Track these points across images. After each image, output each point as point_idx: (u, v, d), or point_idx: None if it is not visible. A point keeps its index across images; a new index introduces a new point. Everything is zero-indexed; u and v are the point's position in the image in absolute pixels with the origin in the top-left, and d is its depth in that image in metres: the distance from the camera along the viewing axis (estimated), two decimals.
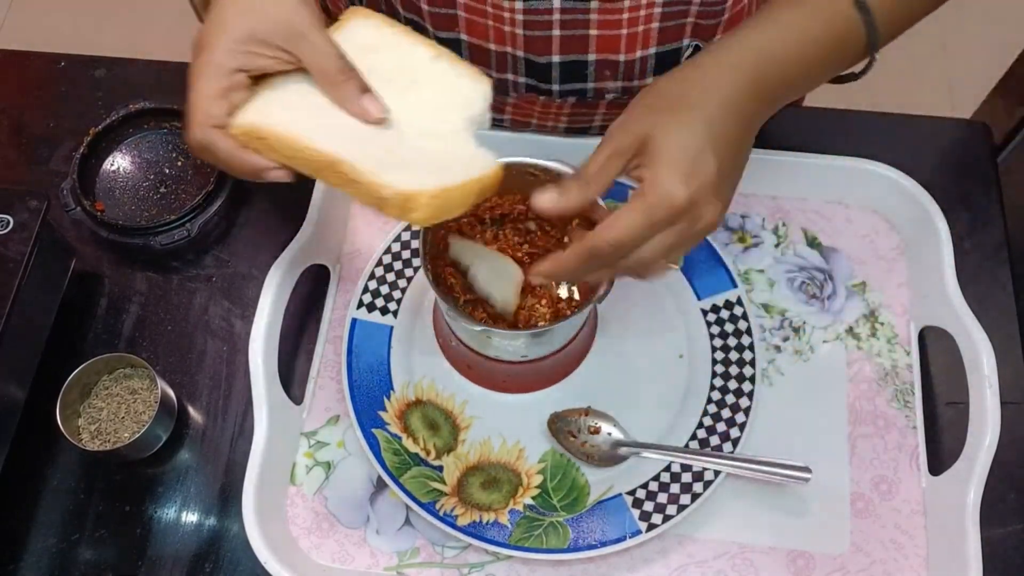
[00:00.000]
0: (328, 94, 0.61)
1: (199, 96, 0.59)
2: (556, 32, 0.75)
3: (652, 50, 0.77)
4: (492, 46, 0.78)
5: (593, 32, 0.75)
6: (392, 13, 0.82)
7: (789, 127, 0.92)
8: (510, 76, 0.80)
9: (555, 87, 0.81)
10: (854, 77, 0.68)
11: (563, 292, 0.74)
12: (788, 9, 0.63)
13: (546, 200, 0.60)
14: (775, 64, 0.61)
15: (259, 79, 0.62)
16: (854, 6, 0.62)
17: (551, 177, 0.71)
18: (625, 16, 0.74)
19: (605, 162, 0.60)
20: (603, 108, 0.84)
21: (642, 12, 0.74)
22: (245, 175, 0.61)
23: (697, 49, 0.79)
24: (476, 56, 0.79)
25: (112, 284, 0.87)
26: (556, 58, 0.77)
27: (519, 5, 0.73)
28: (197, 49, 0.61)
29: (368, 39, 0.64)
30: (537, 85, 0.81)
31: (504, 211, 0.75)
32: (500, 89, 0.82)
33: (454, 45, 0.79)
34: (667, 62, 0.79)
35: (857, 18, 0.62)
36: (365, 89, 0.60)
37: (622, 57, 0.77)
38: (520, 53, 0.77)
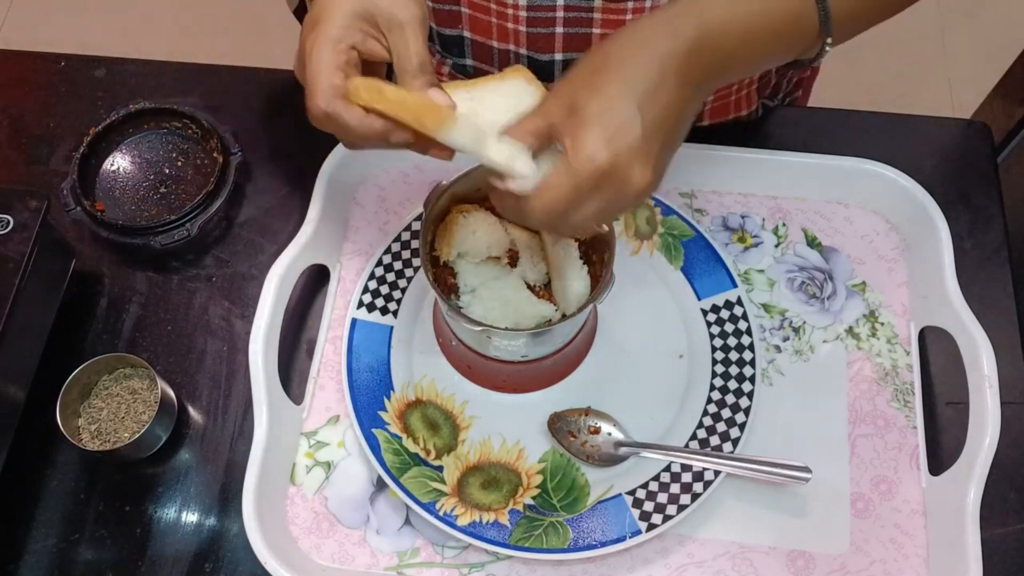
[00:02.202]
0: (401, 81, 0.62)
1: (321, 67, 0.60)
2: (559, 30, 0.75)
3: None
4: (495, 43, 0.78)
5: (596, 31, 0.75)
6: None
7: (789, 127, 0.92)
8: None
9: None
10: (808, 63, 0.66)
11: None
12: None
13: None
14: (717, 32, 0.59)
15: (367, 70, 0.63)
16: None
17: None
18: (629, 16, 0.74)
19: (530, 122, 0.59)
20: None
21: (647, 12, 0.74)
22: (370, 141, 0.62)
23: None
24: (479, 53, 0.79)
25: (112, 284, 0.87)
26: (559, 56, 0.78)
27: (523, 2, 0.73)
28: (311, 22, 0.62)
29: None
30: None
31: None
32: None
33: (457, 42, 0.79)
34: None
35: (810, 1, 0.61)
36: (433, 85, 0.61)
37: None
38: (523, 51, 0.78)
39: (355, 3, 0.61)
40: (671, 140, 0.58)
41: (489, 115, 0.61)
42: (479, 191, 0.73)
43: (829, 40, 0.62)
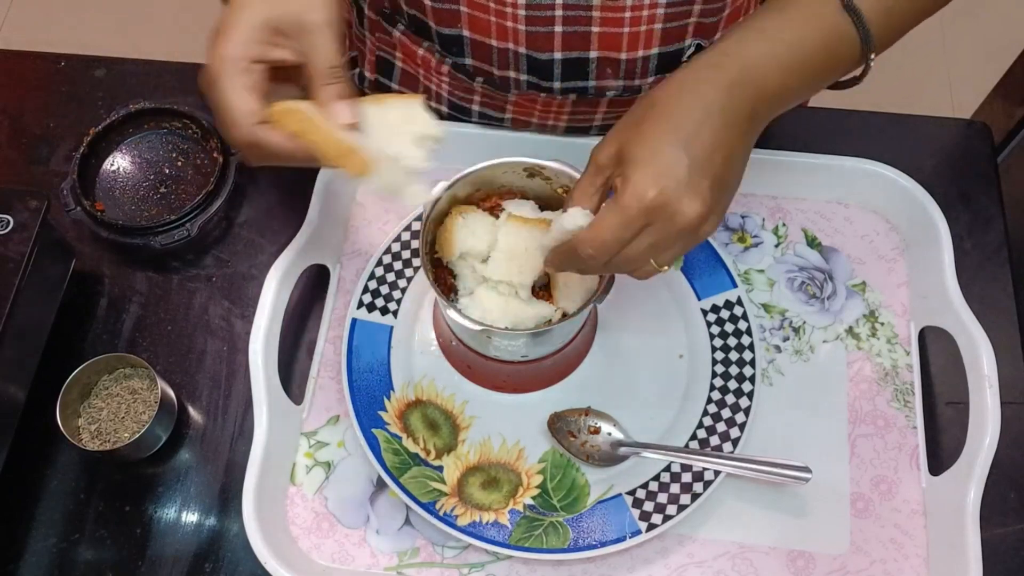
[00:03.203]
0: (314, 92, 0.62)
1: (231, 94, 0.60)
2: (558, 28, 0.75)
3: (655, 50, 0.77)
4: (494, 42, 0.78)
5: (595, 29, 0.75)
6: (395, 8, 0.82)
7: (789, 127, 0.92)
8: (512, 73, 0.80)
9: (556, 84, 0.81)
10: (855, 82, 0.67)
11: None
12: (772, 16, 0.62)
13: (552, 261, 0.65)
14: (759, 67, 0.61)
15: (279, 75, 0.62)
16: (842, 9, 0.62)
17: (550, 176, 0.72)
18: (627, 15, 0.74)
19: (587, 182, 0.62)
20: (604, 106, 0.84)
21: (645, 12, 0.74)
22: (302, 162, 0.62)
23: (699, 48, 0.79)
24: (478, 52, 0.79)
25: (112, 284, 0.87)
26: (558, 55, 0.78)
27: (522, 0, 0.73)
28: (215, 34, 0.61)
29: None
30: (538, 83, 0.81)
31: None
32: (501, 86, 0.82)
33: (456, 41, 0.79)
34: (669, 61, 0.79)
35: (847, 21, 0.62)
36: (343, 96, 0.61)
37: (624, 55, 0.77)
38: (522, 50, 0.78)
39: (257, 12, 0.60)
40: (723, 177, 0.60)
41: (384, 132, 0.63)
42: (479, 192, 0.73)
43: (872, 56, 0.64)
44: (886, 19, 0.63)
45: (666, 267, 0.62)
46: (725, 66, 0.60)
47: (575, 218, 0.62)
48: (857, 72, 0.66)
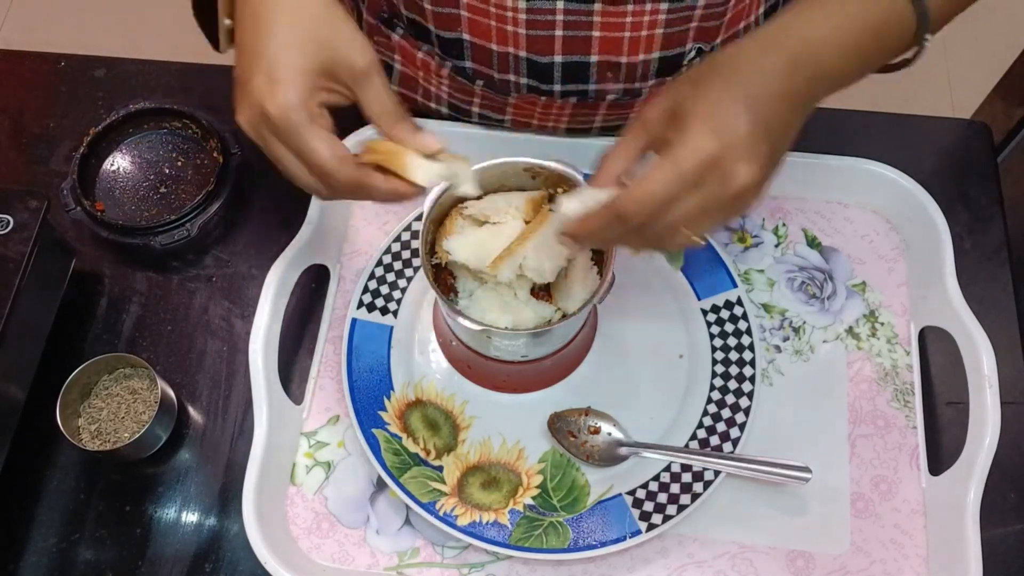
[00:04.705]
0: (386, 131, 0.61)
1: (320, 144, 0.59)
2: (559, 32, 0.75)
3: (656, 54, 0.77)
4: (494, 46, 0.78)
5: (596, 34, 0.75)
6: (394, 12, 0.82)
7: None
8: (512, 77, 0.80)
9: (556, 87, 0.81)
10: (905, 64, 0.66)
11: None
12: None
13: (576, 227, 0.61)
14: (817, 44, 0.59)
15: None
16: None
17: (550, 175, 0.72)
18: (629, 19, 0.74)
19: (629, 141, 0.59)
20: (604, 109, 0.84)
21: (647, 17, 0.74)
22: (390, 198, 0.62)
23: (700, 52, 0.79)
24: (478, 56, 0.79)
25: (112, 284, 0.87)
26: (558, 58, 0.77)
27: (522, 5, 0.73)
28: (266, 79, 0.59)
29: None
30: (538, 86, 0.81)
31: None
32: (501, 89, 0.82)
33: (457, 45, 0.79)
34: (670, 66, 0.79)
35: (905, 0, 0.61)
36: (418, 128, 0.61)
37: (624, 59, 0.77)
38: (522, 53, 0.77)
39: (312, 58, 0.59)
40: (777, 147, 0.57)
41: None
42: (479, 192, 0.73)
43: (928, 37, 0.62)
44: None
45: (699, 240, 0.58)
46: (785, 42, 0.58)
47: (597, 195, 0.58)
48: (909, 54, 0.64)
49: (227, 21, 0.68)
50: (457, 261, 0.69)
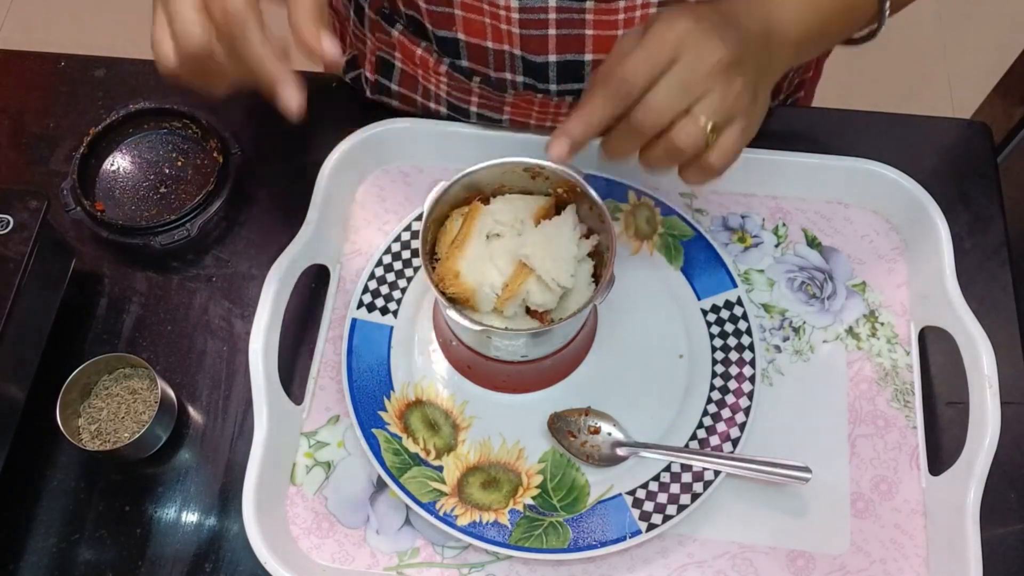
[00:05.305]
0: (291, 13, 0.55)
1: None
2: (552, 31, 0.75)
3: None
4: (490, 44, 0.78)
5: (589, 32, 0.75)
6: (394, 9, 0.82)
7: (789, 127, 0.92)
8: (508, 75, 0.80)
9: (553, 87, 0.81)
10: (869, 37, 0.68)
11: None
12: None
13: (560, 148, 0.63)
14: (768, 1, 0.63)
15: None
16: None
17: (551, 176, 0.72)
18: (621, 17, 0.74)
19: (611, 54, 0.62)
20: None
21: (638, 12, 0.74)
22: (264, 73, 0.55)
23: None
24: (474, 54, 0.79)
25: (112, 284, 0.87)
26: (553, 57, 0.78)
27: (514, 3, 0.73)
28: None
29: None
30: (535, 84, 0.81)
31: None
32: (499, 87, 0.82)
33: (452, 44, 0.79)
34: None
35: None
36: (323, 27, 0.55)
37: None
38: (517, 52, 0.78)
39: None
40: (751, 47, 0.60)
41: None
42: (479, 193, 0.73)
43: (887, 8, 0.65)
44: None
45: (710, 127, 0.60)
46: None
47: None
48: (873, 26, 0.67)
49: None
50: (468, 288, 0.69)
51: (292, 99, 0.55)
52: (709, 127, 0.60)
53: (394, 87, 0.90)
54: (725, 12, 0.62)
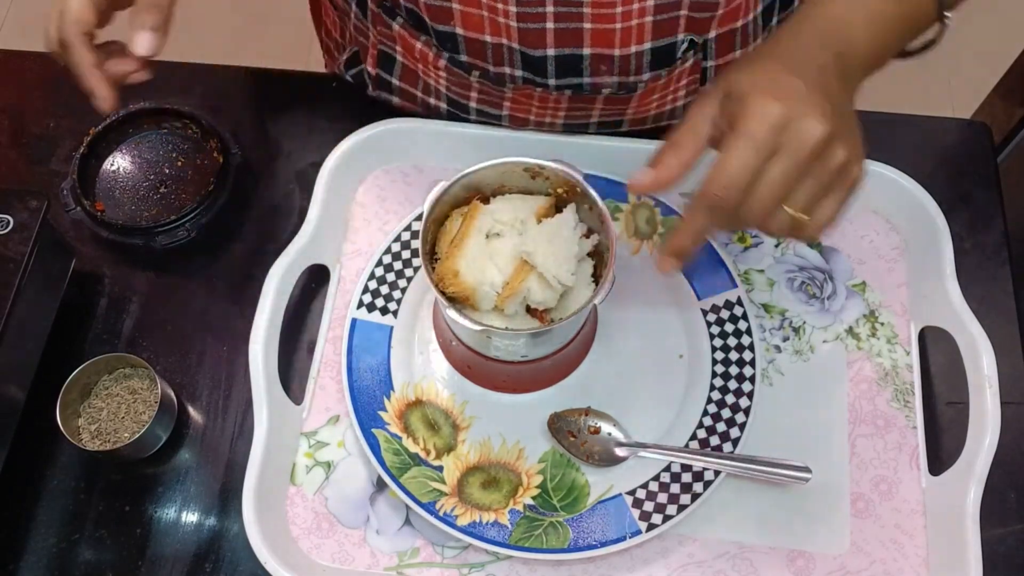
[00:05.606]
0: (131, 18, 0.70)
1: (75, 3, 0.67)
2: (550, 25, 0.75)
3: (647, 45, 0.77)
4: (488, 38, 0.78)
5: (587, 26, 0.75)
6: (394, 2, 0.82)
7: None
8: (507, 69, 0.80)
9: (551, 81, 0.81)
10: (930, 45, 0.68)
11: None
12: None
13: (644, 177, 0.61)
14: (839, 21, 0.62)
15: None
16: None
17: (551, 176, 0.72)
18: (618, 10, 0.74)
19: (692, 121, 0.61)
20: (600, 103, 0.84)
21: (635, 6, 0.74)
22: (82, 83, 0.68)
23: (692, 44, 0.79)
24: (472, 49, 0.79)
25: (112, 284, 0.87)
26: (551, 52, 0.78)
27: None
28: None
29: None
30: (533, 79, 0.81)
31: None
32: (498, 81, 0.82)
33: (450, 38, 0.79)
34: (662, 57, 0.79)
35: None
36: (155, 28, 0.71)
37: (617, 52, 0.77)
38: (515, 46, 0.78)
39: None
40: (840, 105, 0.59)
41: None
42: (479, 192, 0.73)
43: (948, 15, 0.65)
44: None
45: (805, 216, 0.58)
46: (813, 21, 0.62)
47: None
48: (932, 35, 0.67)
49: None
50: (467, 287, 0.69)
51: (101, 103, 0.69)
52: (800, 214, 0.59)
53: (395, 82, 0.90)
54: (804, 51, 0.60)
